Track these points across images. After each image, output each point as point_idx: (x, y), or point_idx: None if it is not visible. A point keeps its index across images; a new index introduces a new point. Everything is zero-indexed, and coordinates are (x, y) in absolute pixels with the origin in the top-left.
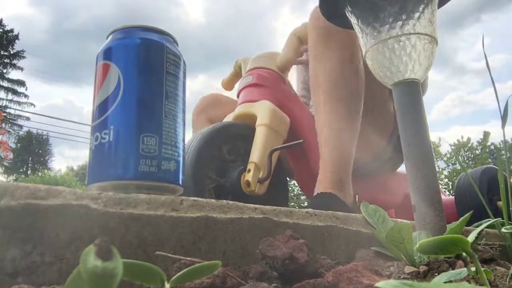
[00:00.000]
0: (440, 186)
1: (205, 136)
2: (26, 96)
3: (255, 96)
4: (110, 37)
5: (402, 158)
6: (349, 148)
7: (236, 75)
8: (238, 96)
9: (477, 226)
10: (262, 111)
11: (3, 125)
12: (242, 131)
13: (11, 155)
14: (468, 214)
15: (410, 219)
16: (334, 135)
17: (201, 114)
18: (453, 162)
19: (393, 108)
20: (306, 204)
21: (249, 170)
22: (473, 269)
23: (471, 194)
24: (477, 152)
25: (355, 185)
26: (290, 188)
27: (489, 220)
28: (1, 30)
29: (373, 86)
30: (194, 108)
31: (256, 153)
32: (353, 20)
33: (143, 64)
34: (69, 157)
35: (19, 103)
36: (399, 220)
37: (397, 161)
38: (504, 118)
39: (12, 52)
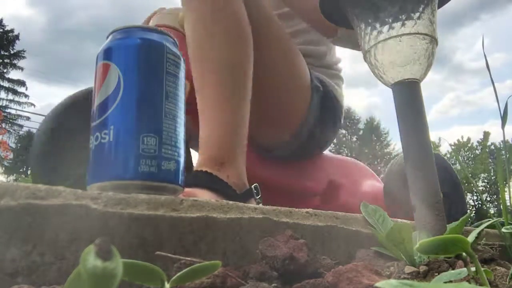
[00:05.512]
0: None
1: None
2: (26, 96)
3: None
4: (110, 37)
5: (327, 142)
6: (234, 124)
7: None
8: None
9: (477, 226)
10: None
11: (3, 125)
12: None
13: (11, 155)
14: (468, 214)
15: (336, 210)
16: (212, 115)
17: None
18: (453, 162)
19: (310, 81)
20: None
21: None
22: (473, 269)
23: (403, 184)
24: (477, 152)
25: (263, 170)
26: None
27: (489, 220)
28: (1, 30)
29: (279, 45)
30: None
31: None
32: (353, 20)
33: (143, 64)
34: None
35: (19, 103)
36: (399, 220)
37: (320, 145)
38: (503, 118)
39: (12, 52)
